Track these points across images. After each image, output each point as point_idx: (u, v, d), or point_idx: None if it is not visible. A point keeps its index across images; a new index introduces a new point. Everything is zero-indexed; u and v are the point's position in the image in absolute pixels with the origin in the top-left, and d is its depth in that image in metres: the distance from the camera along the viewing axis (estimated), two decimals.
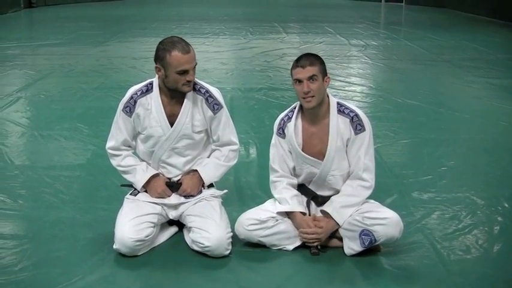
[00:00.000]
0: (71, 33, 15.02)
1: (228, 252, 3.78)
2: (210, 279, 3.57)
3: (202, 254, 3.77)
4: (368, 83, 9.39)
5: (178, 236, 4.02)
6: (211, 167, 4.08)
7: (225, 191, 4.20)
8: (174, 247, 3.93)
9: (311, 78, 3.69)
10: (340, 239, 3.83)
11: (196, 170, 4.06)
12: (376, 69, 10.76)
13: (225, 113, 4.04)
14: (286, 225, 3.85)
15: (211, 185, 4.14)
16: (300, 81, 3.72)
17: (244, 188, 4.94)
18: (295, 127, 3.86)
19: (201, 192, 4.05)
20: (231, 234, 3.84)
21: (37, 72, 10.04)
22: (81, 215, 4.41)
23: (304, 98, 3.72)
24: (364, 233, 3.70)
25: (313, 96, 3.70)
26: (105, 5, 24.73)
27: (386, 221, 3.66)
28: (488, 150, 6.13)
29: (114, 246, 3.75)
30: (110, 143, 4.08)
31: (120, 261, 3.73)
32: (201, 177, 4.05)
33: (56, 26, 17.06)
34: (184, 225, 4.00)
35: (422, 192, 4.87)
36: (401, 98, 8.14)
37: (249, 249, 3.87)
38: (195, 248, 3.82)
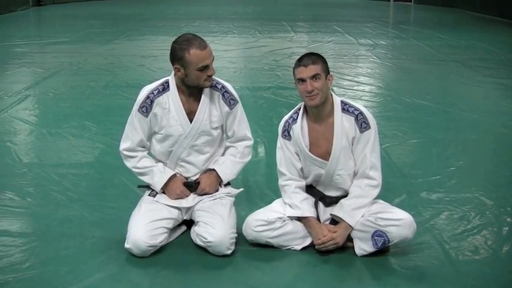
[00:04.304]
0: (80, 31, 15.05)
1: (230, 252, 3.76)
2: (218, 279, 3.56)
3: (210, 254, 3.76)
4: (377, 83, 9.37)
5: (187, 235, 4.01)
6: (228, 165, 4.08)
7: (241, 189, 4.20)
8: (182, 246, 3.92)
9: (314, 77, 3.68)
10: (351, 240, 3.81)
11: (213, 169, 4.06)
12: (384, 68, 10.73)
13: (240, 108, 4.05)
14: (294, 225, 3.84)
15: (227, 183, 4.14)
16: (303, 80, 3.70)
17: (252, 187, 4.93)
18: (301, 128, 3.84)
19: (217, 190, 4.05)
20: (235, 235, 3.82)
21: (45, 70, 10.06)
22: (89, 213, 4.41)
23: (307, 96, 3.71)
24: (378, 234, 3.68)
25: (317, 94, 3.69)
26: (114, 3, 24.77)
27: (400, 222, 3.65)
28: (497, 150, 6.11)
29: (126, 246, 3.73)
30: (124, 145, 4.01)
31: (128, 260, 3.72)
32: (218, 176, 4.05)
33: (65, 24, 17.12)
34: (193, 224, 3.99)
35: (431, 192, 4.85)
36: (410, 98, 8.12)
37: (257, 248, 3.86)
38: (198, 242, 3.81)
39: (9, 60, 10.99)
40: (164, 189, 4.00)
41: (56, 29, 16.16)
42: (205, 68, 3.75)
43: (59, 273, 3.58)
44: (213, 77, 3.94)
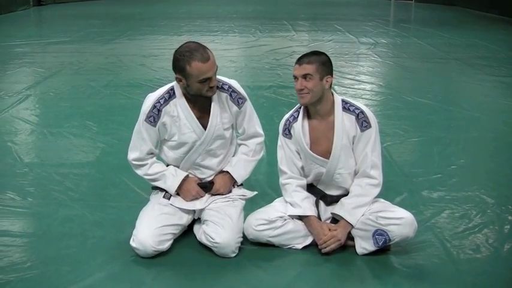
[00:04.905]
0: (80, 31, 15.05)
1: (234, 255, 3.75)
2: (219, 278, 3.56)
3: (211, 253, 3.76)
4: (378, 81, 9.35)
5: (188, 235, 4.01)
6: (241, 166, 4.07)
7: (255, 192, 4.20)
8: (183, 245, 3.91)
9: (305, 76, 3.68)
10: (352, 239, 3.81)
11: (226, 171, 4.05)
12: (385, 67, 10.72)
13: (249, 105, 4.02)
14: (294, 224, 3.84)
15: (241, 184, 4.14)
16: (296, 77, 3.72)
17: (253, 186, 4.90)
18: (302, 127, 3.84)
19: (230, 191, 4.04)
20: (242, 239, 3.82)
21: (46, 69, 10.06)
22: (90, 212, 4.41)
23: (298, 94, 3.73)
24: (379, 233, 3.68)
25: (307, 93, 3.69)
26: (114, 2, 24.77)
27: (401, 221, 3.64)
28: (498, 148, 6.10)
29: (132, 244, 3.73)
30: (133, 155, 3.95)
31: (130, 259, 3.72)
32: (232, 177, 4.04)
33: (65, 24, 17.12)
34: (194, 223, 4.00)
35: (432, 190, 4.85)
36: (411, 96, 8.11)
37: (258, 247, 3.85)
38: (203, 240, 3.80)
39: (10, 60, 10.99)
40: (178, 191, 3.97)
41: (56, 29, 16.16)
42: (207, 79, 3.68)
43: (60, 272, 3.58)
44: (219, 77, 3.91)
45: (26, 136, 6.36)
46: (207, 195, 3.99)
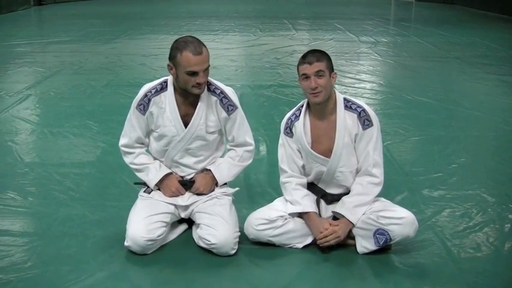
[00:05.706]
0: (81, 31, 15.05)
1: (234, 251, 3.76)
2: (219, 277, 3.56)
3: (211, 252, 3.76)
4: (378, 80, 9.34)
5: (188, 234, 4.02)
6: (224, 167, 4.07)
7: (237, 189, 4.19)
8: (183, 245, 3.92)
9: (318, 73, 3.67)
10: (352, 238, 3.81)
11: (210, 169, 4.05)
12: (386, 66, 10.72)
13: (239, 113, 4.01)
14: (295, 223, 3.84)
15: (224, 184, 4.13)
16: (307, 77, 3.70)
17: (253, 186, 4.93)
18: (303, 126, 3.84)
19: (213, 190, 4.04)
20: (239, 234, 3.83)
21: (47, 69, 10.06)
22: (90, 212, 4.41)
23: (311, 93, 3.71)
24: (379, 232, 3.68)
25: (320, 92, 3.68)
26: (115, 2, 24.76)
27: (402, 221, 3.64)
28: (499, 147, 6.11)
29: (126, 244, 3.74)
30: (123, 141, 4.04)
31: (130, 259, 3.72)
32: (214, 177, 4.04)
33: (66, 24, 17.11)
34: (193, 224, 3.99)
35: (433, 189, 4.85)
36: (412, 95, 8.11)
37: (258, 246, 3.85)
38: (202, 244, 3.80)
39: (10, 59, 10.99)
40: (159, 187, 4.00)
41: (57, 29, 16.15)
42: (194, 74, 3.69)
43: (61, 272, 3.58)
44: (214, 81, 3.94)
45: (26, 136, 6.36)
46: (188, 194, 4.01)
